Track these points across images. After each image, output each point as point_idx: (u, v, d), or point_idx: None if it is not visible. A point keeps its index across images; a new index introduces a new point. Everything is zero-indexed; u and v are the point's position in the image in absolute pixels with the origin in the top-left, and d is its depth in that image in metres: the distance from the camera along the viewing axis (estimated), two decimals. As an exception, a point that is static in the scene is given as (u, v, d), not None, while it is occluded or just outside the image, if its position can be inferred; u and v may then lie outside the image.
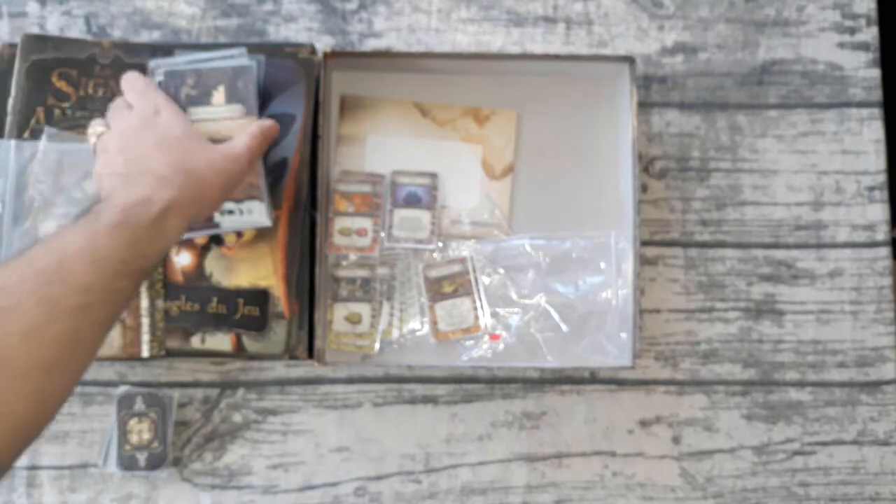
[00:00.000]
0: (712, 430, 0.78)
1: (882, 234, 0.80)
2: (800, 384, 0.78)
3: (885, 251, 0.79)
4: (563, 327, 0.75)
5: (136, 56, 0.73)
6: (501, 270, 0.76)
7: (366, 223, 0.76)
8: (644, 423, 0.77)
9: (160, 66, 0.69)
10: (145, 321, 0.70)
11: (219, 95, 0.69)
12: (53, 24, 0.79)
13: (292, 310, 0.72)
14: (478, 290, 0.75)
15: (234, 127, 0.68)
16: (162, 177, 0.57)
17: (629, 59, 0.74)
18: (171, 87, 0.69)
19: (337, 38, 0.80)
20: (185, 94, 0.68)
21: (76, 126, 0.72)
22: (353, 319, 0.75)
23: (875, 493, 0.77)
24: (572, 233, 0.76)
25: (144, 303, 0.70)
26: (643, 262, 0.78)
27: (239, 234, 0.72)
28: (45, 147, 0.70)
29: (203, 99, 0.68)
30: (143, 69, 0.69)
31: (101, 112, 0.66)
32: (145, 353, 0.70)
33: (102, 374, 0.76)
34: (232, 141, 0.65)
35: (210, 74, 0.69)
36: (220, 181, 0.61)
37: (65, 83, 0.72)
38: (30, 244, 0.68)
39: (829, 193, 0.80)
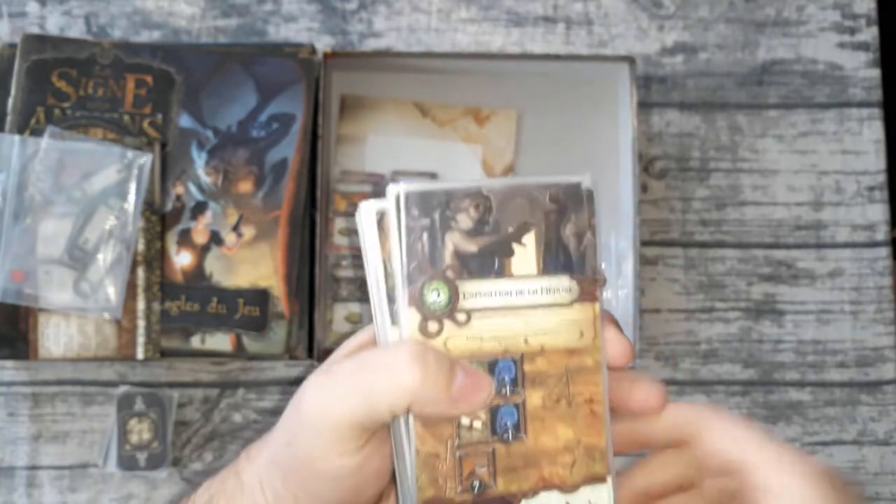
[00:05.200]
0: (712, 430, 0.77)
1: (882, 234, 0.80)
2: (800, 384, 0.78)
3: (885, 251, 0.79)
4: (563, 327, 0.75)
5: (136, 56, 0.73)
6: (501, 270, 0.76)
7: (366, 223, 0.75)
8: (644, 423, 0.77)
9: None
10: (141, 323, 0.70)
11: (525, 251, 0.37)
12: (53, 24, 0.79)
13: (292, 310, 0.72)
14: (478, 290, 0.75)
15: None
16: None
17: (629, 59, 0.74)
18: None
19: (337, 38, 0.80)
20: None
21: (76, 126, 0.72)
22: (353, 319, 0.75)
23: (875, 494, 0.77)
24: (572, 233, 0.76)
25: (141, 305, 0.70)
26: (643, 262, 0.78)
27: (239, 234, 0.72)
28: (47, 145, 0.70)
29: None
30: (143, 69, 0.68)
31: (101, 112, 0.65)
32: (140, 354, 0.70)
33: (102, 374, 0.76)
34: None
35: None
36: None
37: (65, 83, 0.72)
38: (30, 242, 0.69)
39: (829, 193, 0.80)
